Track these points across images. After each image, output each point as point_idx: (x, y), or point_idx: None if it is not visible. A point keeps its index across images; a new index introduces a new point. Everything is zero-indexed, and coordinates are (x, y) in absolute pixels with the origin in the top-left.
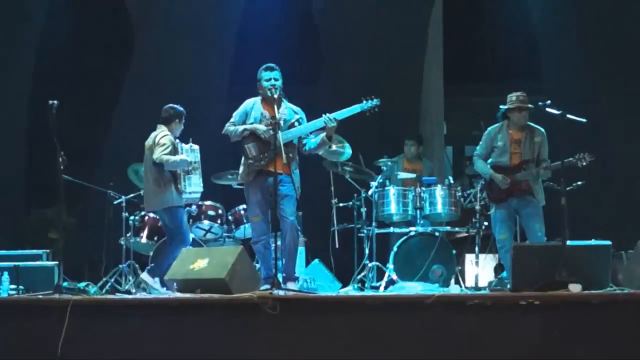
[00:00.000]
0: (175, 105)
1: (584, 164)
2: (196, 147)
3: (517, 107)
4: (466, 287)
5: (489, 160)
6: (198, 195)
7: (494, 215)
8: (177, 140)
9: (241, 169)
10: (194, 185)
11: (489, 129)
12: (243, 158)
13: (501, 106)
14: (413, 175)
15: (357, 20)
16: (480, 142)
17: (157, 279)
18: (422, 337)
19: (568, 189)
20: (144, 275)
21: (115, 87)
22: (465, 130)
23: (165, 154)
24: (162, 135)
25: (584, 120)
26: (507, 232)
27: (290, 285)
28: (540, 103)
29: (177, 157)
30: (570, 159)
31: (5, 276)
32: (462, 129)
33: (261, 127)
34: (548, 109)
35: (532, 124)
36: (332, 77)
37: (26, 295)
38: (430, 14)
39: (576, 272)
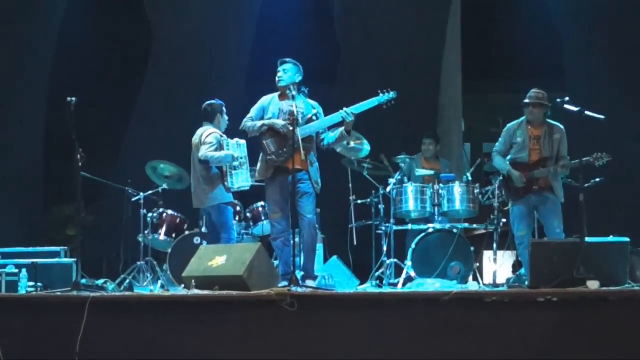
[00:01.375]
0: (213, 101)
1: (602, 163)
2: (242, 142)
3: (527, 103)
4: (484, 284)
5: (508, 157)
6: (246, 189)
7: (513, 211)
8: (224, 137)
9: (259, 165)
10: (241, 181)
11: (508, 125)
12: (261, 154)
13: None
14: (431, 172)
15: (375, 16)
16: (500, 139)
17: None
18: (440, 334)
19: (586, 185)
20: None
21: (135, 84)
22: (483, 127)
23: (211, 152)
24: (208, 134)
25: (602, 117)
26: (526, 229)
27: (309, 283)
28: (558, 100)
29: (222, 153)
30: (589, 158)
31: (24, 273)
32: (480, 125)
33: (279, 123)
34: (566, 106)
35: (552, 121)
36: (350, 74)
37: (44, 292)
38: (449, 9)
39: (594, 269)
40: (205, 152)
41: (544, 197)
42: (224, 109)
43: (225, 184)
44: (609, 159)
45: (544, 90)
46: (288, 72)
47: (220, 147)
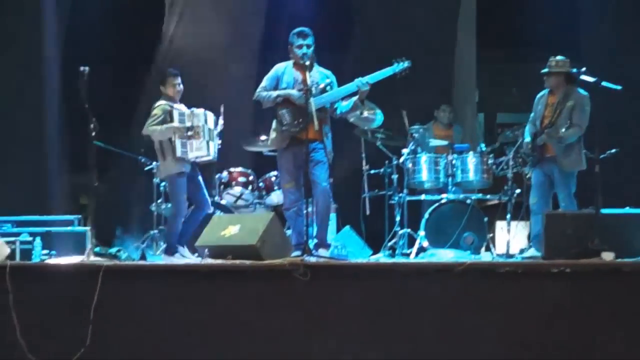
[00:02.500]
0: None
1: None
2: (199, 111)
3: (542, 72)
4: (497, 255)
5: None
6: (208, 158)
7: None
8: (175, 107)
9: (273, 134)
10: (195, 150)
11: (538, 94)
12: (275, 124)
13: None
14: (445, 143)
15: None
16: None
17: (180, 251)
18: (453, 305)
19: (602, 156)
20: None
21: (148, 54)
22: (497, 97)
23: (153, 125)
24: (155, 106)
25: (619, 87)
26: (537, 197)
27: (323, 251)
28: (574, 70)
29: (163, 127)
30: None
31: (38, 241)
32: (494, 95)
33: (295, 93)
34: (583, 76)
35: (579, 89)
36: (363, 43)
37: (58, 260)
38: None
39: (609, 240)
40: (146, 126)
41: (552, 167)
42: (173, 76)
43: (176, 154)
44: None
45: (564, 57)
46: (312, 46)
47: (168, 118)
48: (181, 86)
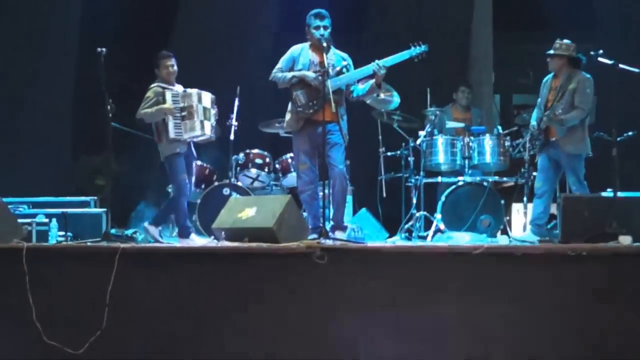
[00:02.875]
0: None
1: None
2: (192, 90)
3: (546, 55)
4: (514, 237)
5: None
6: (204, 138)
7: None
8: (169, 88)
9: (288, 116)
10: (189, 131)
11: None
12: (290, 105)
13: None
14: (462, 125)
15: None
16: None
17: (159, 229)
18: (470, 288)
19: (619, 139)
20: (147, 225)
21: (165, 33)
22: (513, 79)
23: (144, 108)
24: (149, 89)
25: (637, 70)
26: (541, 181)
27: (339, 233)
28: (592, 52)
29: (153, 109)
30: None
31: (54, 223)
32: (510, 77)
33: (310, 75)
34: (600, 59)
35: (582, 72)
36: (379, 25)
37: (74, 242)
38: None
39: (627, 223)
40: (139, 110)
41: (557, 151)
42: (166, 57)
43: (169, 135)
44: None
45: (571, 41)
46: (329, 27)
47: (161, 100)
48: (174, 67)
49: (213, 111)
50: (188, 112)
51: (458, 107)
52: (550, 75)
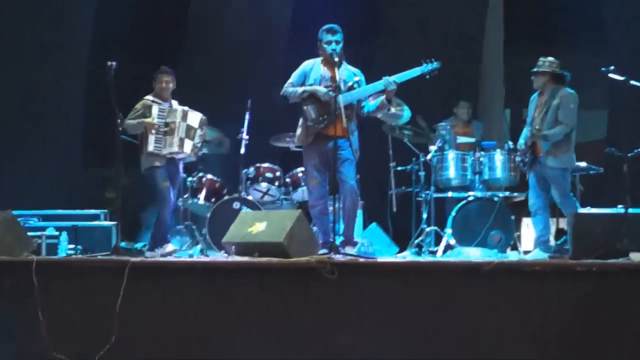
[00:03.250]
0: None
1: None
2: (177, 107)
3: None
4: (524, 252)
5: None
6: (182, 156)
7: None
8: (157, 102)
9: (299, 131)
10: (168, 147)
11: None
12: (301, 120)
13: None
14: (472, 140)
15: None
16: None
17: (167, 245)
18: (480, 304)
19: (630, 155)
20: (147, 254)
21: (176, 46)
22: (524, 93)
23: (129, 119)
24: (140, 101)
25: None
26: (533, 198)
27: (349, 249)
28: (603, 68)
29: (135, 121)
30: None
31: (64, 236)
32: (521, 91)
33: (321, 89)
34: (611, 75)
35: (566, 88)
36: (391, 38)
37: (85, 255)
38: None
39: (638, 240)
40: (125, 120)
41: (542, 166)
42: (161, 73)
43: (147, 148)
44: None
45: (554, 58)
46: (340, 42)
47: (147, 113)
48: (170, 84)
49: (199, 132)
50: (170, 128)
51: (459, 122)
52: (536, 93)
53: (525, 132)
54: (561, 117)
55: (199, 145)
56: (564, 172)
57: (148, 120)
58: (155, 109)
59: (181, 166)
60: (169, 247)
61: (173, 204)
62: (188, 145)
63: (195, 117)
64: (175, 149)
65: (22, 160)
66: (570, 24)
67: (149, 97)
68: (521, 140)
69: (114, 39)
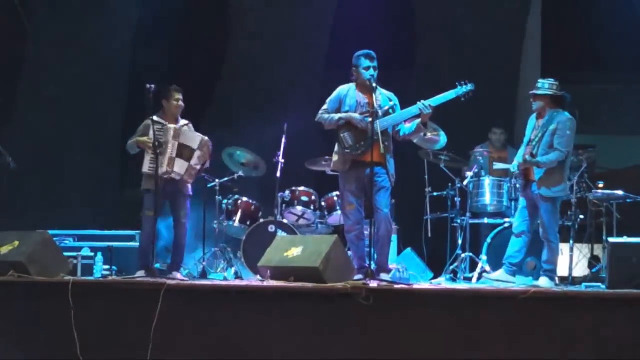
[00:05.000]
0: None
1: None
2: (170, 126)
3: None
4: (560, 280)
5: None
6: (171, 176)
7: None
8: (160, 122)
9: (335, 157)
10: (160, 166)
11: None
12: (337, 147)
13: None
14: (509, 166)
15: (454, 6)
16: None
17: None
18: (516, 332)
19: None
20: (169, 277)
21: (211, 72)
22: None
23: (132, 139)
24: None
25: None
26: (519, 221)
27: (383, 276)
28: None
29: (131, 141)
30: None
31: (99, 257)
32: None
33: (357, 117)
34: None
35: (564, 112)
36: (427, 63)
37: (120, 277)
38: (531, 0)
39: None
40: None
41: (532, 192)
42: (176, 91)
43: (142, 169)
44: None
45: (554, 79)
46: (377, 68)
47: (147, 133)
48: (181, 103)
49: (199, 153)
50: (164, 147)
51: (493, 148)
52: (534, 115)
53: (521, 153)
54: (557, 144)
55: (198, 167)
56: (554, 202)
57: (141, 139)
58: (152, 129)
59: (186, 187)
60: (140, 273)
61: (178, 224)
62: (180, 166)
63: (194, 138)
64: (164, 168)
65: (60, 180)
66: (610, 49)
67: (154, 117)
68: (515, 163)
69: (152, 61)
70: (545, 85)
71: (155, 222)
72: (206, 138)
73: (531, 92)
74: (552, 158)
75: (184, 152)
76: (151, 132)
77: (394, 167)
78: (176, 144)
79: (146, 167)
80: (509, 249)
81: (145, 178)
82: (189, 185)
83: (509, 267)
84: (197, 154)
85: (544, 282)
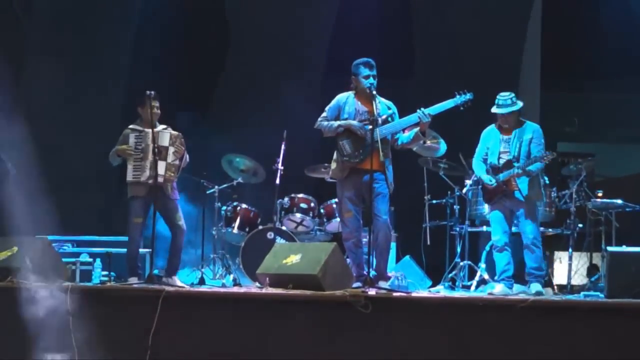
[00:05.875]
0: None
1: (547, 162)
2: (148, 130)
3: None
4: (558, 289)
5: (488, 162)
6: (160, 180)
7: (490, 216)
8: (137, 130)
9: (334, 165)
10: (144, 173)
11: (485, 130)
12: (336, 154)
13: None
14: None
15: (453, 14)
16: (479, 144)
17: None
18: (514, 341)
19: None
20: (168, 282)
21: (211, 80)
22: (558, 126)
23: (111, 151)
24: None
25: None
26: (500, 233)
27: (382, 283)
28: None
29: (111, 151)
30: (538, 155)
31: (98, 263)
32: (555, 124)
33: (356, 124)
34: None
35: (529, 122)
36: (426, 69)
37: (119, 283)
38: (531, 8)
39: None
40: None
41: (516, 201)
42: (152, 99)
43: (127, 178)
44: (553, 156)
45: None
46: (376, 76)
47: (127, 141)
48: (158, 110)
49: (172, 149)
50: (144, 153)
51: None
52: (491, 128)
53: (481, 166)
54: (536, 152)
55: (176, 162)
56: (537, 207)
57: (120, 147)
58: (132, 137)
59: (173, 192)
60: (133, 280)
61: (174, 228)
62: (161, 167)
63: (164, 136)
64: (148, 173)
65: (59, 186)
66: (610, 58)
67: (132, 126)
68: (485, 174)
69: (152, 68)
70: (514, 99)
71: (142, 229)
72: (175, 132)
73: (504, 111)
74: (538, 166)
75: (162, 152)
76: (131, 140)
77: (392, 175)
78: (154, 147)
79: (130, 175)
80: (499, 264)
81: (130, 186)
82: (176, 191)
83: (507, 282)
84: (171, 149)
85: (538, 288)
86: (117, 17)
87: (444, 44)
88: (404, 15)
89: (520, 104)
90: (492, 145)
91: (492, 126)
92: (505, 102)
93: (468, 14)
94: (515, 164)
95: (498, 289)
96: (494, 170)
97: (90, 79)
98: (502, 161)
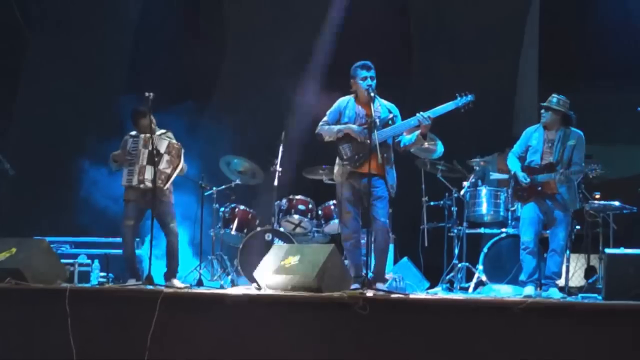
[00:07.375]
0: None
1: (595, 175)
2: (142, 135)
3: (543, 106)
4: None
5: (527, 160)
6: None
7: (521, 214)
8: (132, 137)
9: (336, 168)
10: (135, 177)
11: (528, 128)
12: (338, 158)
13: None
14: (506, 176)
15: (452, 16)
16: (518, 140)
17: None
18: (511, 342)
19: None
20: (167, 284)
21: (209, 81)
22: None
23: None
24: None
25: None
26: (532, 235)
27: (380, 286)
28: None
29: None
30: (579, 168)
31: (96, 264)
32: None
33: (355, 128)
34: None
35: (573, 128)
36: (425, 73)
37: (118, 285)
38: (528, 10)
39: None
40: None
41: (551, 205)
42: (137, 114)
43: (122, 183)
44: (602, 172)
45: (565, 97)
46: (374, 78)
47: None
48: (145, 124)
49: (166, 157)
50: (136, 157)
51: (504, 159)
52: (536, 127)
53: (516, 162)
54: (577, 159)
55: (168, 170)
56: (570, 213)
57: (114, 153)
58: (130, 142)
59: (168, 195)
60: (131, 282)
61: (167, 231)
62: (149, 172)
63: (162, 142)
64: (136, 177)
65: (58, 187)
66: (606, 59)
67: (132, 132)
68: (520, 172)
69: (150, 71)
70: (560, 102)
71: (135, 231)
72: (175, 142)
73: (546, 104)
74: (579, 173)
75: (152, 158)
76: (128, 145)
77: (394, 178)
78: (146, 152)
79: (124, 180)
80: (528, 266)
81: (125, 190)
82: (171, 195)
83: (534, 284)
84: (165, 157)
85: (559, 294)
86: (115, 19)
87: (443, 46)
88: (404, 17)
89: (559, 106)
90: (536, 143)
91: (537, 125)
92: (550, 101)
93: (467, 15)
94: (559, 168)
95: (528, 290)
96: (532, 170)
97: (90, 79)
98: (544, 162)
